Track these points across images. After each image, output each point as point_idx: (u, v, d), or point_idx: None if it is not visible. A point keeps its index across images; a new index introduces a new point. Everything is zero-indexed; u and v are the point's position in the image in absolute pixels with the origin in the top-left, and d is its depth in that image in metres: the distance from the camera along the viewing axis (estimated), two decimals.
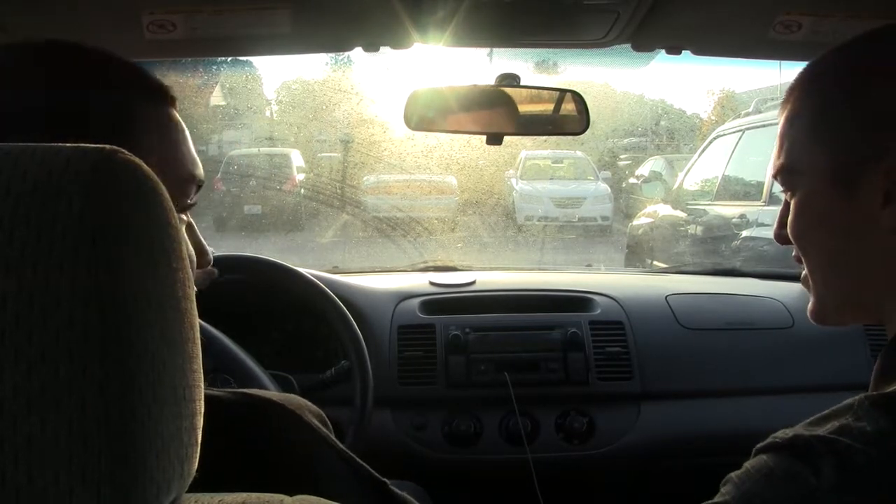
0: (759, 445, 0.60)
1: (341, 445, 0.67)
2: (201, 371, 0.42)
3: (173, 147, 0.61)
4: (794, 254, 0.75)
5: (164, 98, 0.61)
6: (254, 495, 0.44)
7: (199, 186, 0.64)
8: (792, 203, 0.71)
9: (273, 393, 0.67)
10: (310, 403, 0.69)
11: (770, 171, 0.74)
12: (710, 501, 0.60)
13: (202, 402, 0.41)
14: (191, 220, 0.66)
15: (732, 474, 0.60)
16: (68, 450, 0.34)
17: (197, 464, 0.41)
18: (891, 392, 0.58)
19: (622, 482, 1.60)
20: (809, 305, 0.73)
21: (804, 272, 0.74)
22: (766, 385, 1.59)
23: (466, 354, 1.55)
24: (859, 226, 0.65)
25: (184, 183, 0.62)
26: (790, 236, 0.72)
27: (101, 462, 0.35)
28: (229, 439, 0.58)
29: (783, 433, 0.59)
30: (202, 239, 0.68)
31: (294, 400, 0.67)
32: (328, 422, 0.69)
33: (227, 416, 0.61)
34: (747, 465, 0.60)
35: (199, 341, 0.42)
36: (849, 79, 0.65)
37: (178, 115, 0.63)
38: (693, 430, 1.56)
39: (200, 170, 0.64)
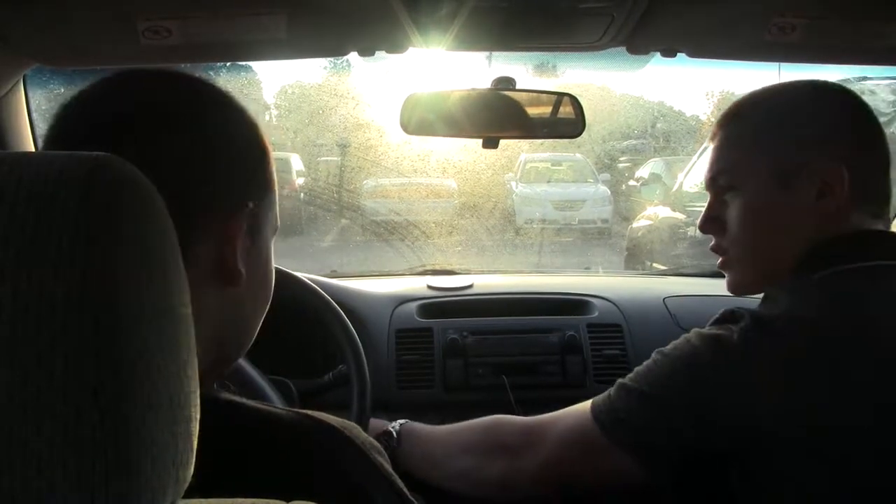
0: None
1: (398, 479, 0.66)
2: (197, 377, 0.42)
3: None
4: (712, 245, 1.02)
5: None
6: (249, 501, 0.44)
7: None
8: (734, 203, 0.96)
9: (332, 417, 0.66)
10: (364, 434, 0.67)
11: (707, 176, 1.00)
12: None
13: (198, 409, 0.41)
14: None
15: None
16: (63, 456, 0.34)
17: (192, 469, 0.41)
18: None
19: (621, 484, 1.60)
20: (729, 280, 1.06)
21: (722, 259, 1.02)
22: None
23: (464, 358, 1.54)
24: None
25: None
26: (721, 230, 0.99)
27: (95, 468, 0.35)
28: (289, 458, 0.59)
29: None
30: None
31: (353, 427, 0.66)
32: (384, 454, 0.68)
33: (288, 435, 0.61)
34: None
35: (194, 347, 0.42)
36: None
37: None
38: None
39: None
